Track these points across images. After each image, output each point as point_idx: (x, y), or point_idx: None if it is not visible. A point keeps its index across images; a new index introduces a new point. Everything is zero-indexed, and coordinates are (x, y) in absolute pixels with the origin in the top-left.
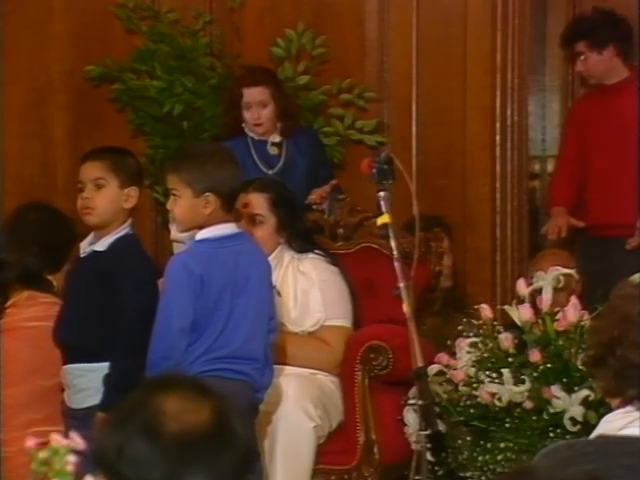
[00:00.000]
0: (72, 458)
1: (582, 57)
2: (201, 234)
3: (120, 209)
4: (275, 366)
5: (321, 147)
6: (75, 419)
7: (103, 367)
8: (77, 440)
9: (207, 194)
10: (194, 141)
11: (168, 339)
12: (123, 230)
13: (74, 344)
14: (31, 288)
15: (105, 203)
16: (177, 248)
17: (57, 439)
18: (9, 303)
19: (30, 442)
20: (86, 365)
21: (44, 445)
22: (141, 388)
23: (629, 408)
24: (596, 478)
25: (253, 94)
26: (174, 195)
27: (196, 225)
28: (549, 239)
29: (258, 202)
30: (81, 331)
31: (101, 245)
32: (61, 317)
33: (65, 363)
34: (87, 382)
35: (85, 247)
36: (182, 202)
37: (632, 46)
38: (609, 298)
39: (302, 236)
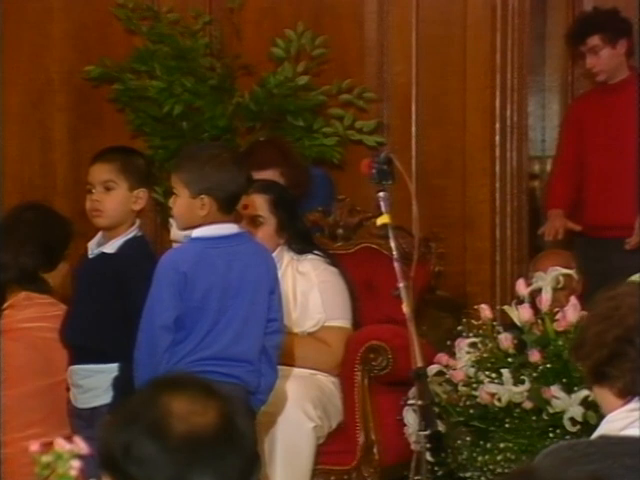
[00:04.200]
0: (76, 463)
1: (596, 51)
2: (196, 232)
3: (129, 211)
4: None
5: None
6: (80, 419)
7: (110, 368)
8: (81, 445)
9: (203, 196)
10: (197, 142)
11: (151, 336)
12: (132, 232)
13: (82, 345)
14: (28, 289)
15: (114, 205)
16: None
17: (61, 443)
18: (6, 304)
19: (33, 446)
20: (93, 366)
21: (44, 447)
22: (148, 388)
23: (632, 406)
24: (598, 479)
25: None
26: (174, 193)
27: (193, 225)
28: (546, 240)
29: (258, 203)
30: (89, 332)
31: (110, 247)
32: (69, 318)
33: (72, 363)
34: (94, 383)
35: (93, 248)
36: (180, 201)
37: (634, 45)
38: (597, 303)
39: (302, 237)
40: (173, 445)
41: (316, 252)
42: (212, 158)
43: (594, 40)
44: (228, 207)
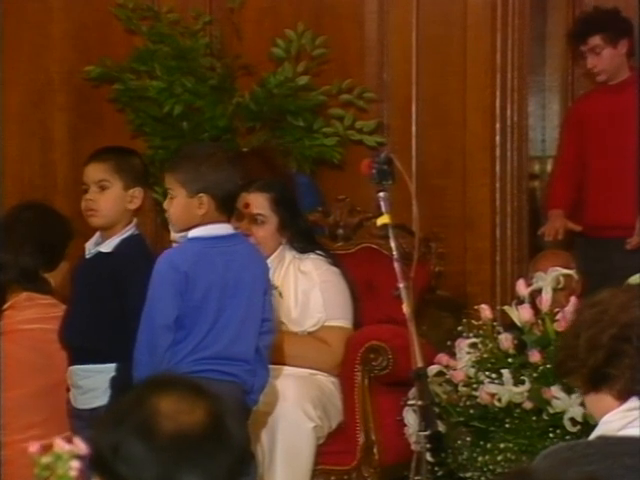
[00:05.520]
0: (75, 463)
1: (597, 51)
2: (193, 232)
3: (124, 210)
4: (274, 366)
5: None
6: (80, 419)
7: (109, 368)
8: (80, 445)
9: (201, 195)
10: (194, 142)
11: (152, 336)
12: (128, 231)
13: (80, 345)
14: (29, 289)
15: (109, 205)
16: None
17: (60, 444)
18: (7, 305)
19: (32, 447)
20: (92, 366)
21: (44, 448)
22: (137, 388)
23: (629, 405)
24: None
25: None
26: (170, 195)
27: (190, 225)
28: (546, 240)
29: (259, 202)
30: (87, 332)
31: (107, 246)
32: (67, 318)
33: (71, 364)
34: (93, 383)
35: (90, 248)
36: (176, 202)
37: (634, 45)
38: (580, 312)
39: (304, 236)
40: (161, 444)
41: (318, 252)
42: (208, 157)
43: (595, 40)
44: (225, 206)
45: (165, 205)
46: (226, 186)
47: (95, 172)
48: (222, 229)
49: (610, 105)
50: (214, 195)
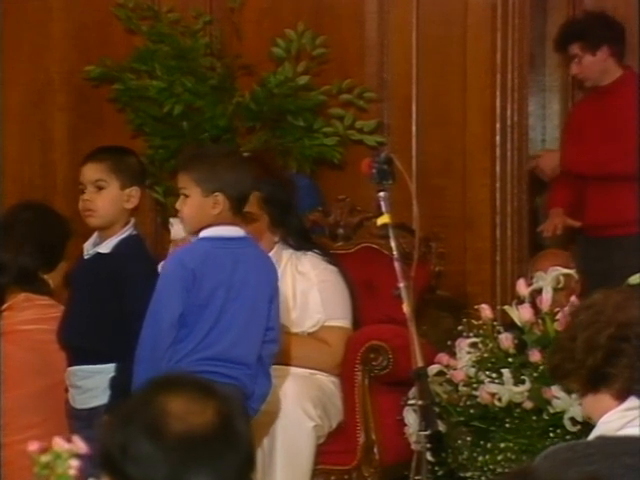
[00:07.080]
0: (75, 462)
1: (576, 59)
2: (204, 232)
3: (122, 210)
4: (275, 366)
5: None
6: (79, 419)
7: (108, 368)
8: (79, 444)
9: (216, 194)
10: (199, 142)
11: (157, 331)
12: (127, 231)
13: (79, 346)
14: (27, 289)
15: (106, 205)
16: None
17: (60, 443)
18: (5, 306)
19: (32, 446)
20: (91, 367)
21: (44, 448)
22: (146, 388)
23: (628, 405)
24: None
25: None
26: (183, 194)
27: (203, 225)
28: (545, 237)
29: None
30: (86, 333)
31: (105, 247)
32: (66, 319)
33: (70, 365)
34: (92, 383)
35: (89, 248)
36: (191, 201)
37: (625, 46)
38: (575, 314)
39: (298, 233)
40: (170, 444)
41: (315, 250)
42: (224, 157)
43: (574, 49)
44: (238, 207)
45: (178, 205)
46: (240, 186)
47: (92, 172)
48: (233, 231)
49: (606, 106)
50: (229, 195)
